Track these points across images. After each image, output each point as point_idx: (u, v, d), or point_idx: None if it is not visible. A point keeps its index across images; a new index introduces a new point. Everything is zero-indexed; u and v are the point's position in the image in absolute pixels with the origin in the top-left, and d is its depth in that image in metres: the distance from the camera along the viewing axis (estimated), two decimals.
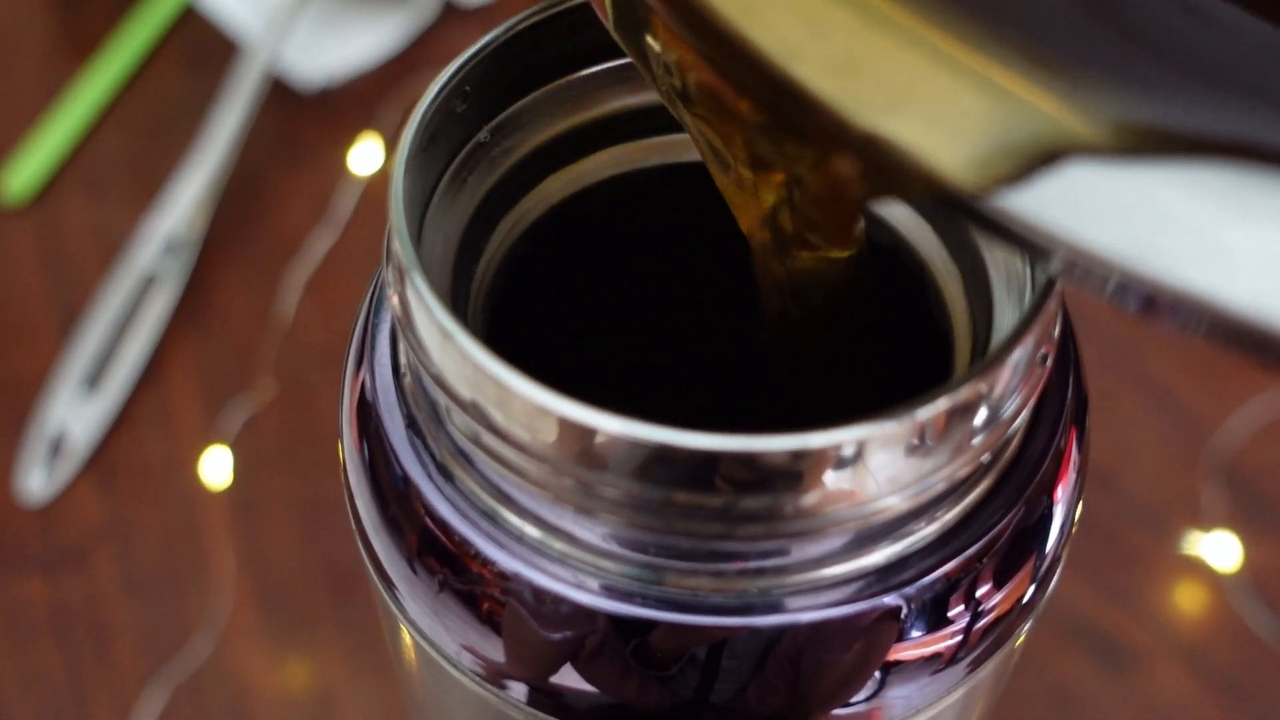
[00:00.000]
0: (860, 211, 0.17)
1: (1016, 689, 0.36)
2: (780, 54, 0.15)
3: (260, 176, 0.46)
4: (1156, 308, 0.14)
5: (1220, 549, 0.38)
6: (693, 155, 0.21)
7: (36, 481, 0.40)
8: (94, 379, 0.42)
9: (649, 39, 0.17)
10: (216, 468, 0.40)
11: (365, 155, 0.45)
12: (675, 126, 0.21)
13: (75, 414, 0.41)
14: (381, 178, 0.45)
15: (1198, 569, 0.38)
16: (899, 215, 0.20)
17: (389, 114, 0.46)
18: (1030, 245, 0.14)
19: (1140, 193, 0.14)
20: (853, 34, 0.15)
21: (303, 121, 0.48)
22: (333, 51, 0.48)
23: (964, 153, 0.14)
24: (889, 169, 0.15)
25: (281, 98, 0.48)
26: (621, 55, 0.20)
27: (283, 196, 0.46)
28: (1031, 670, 0.37)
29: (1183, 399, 0.41)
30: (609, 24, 0.18)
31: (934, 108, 0.15)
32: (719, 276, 0.21)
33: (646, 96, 0.21)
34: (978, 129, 0.14)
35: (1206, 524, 0.38)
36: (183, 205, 0.44)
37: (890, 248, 0.20)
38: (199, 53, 0.50)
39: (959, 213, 0.15)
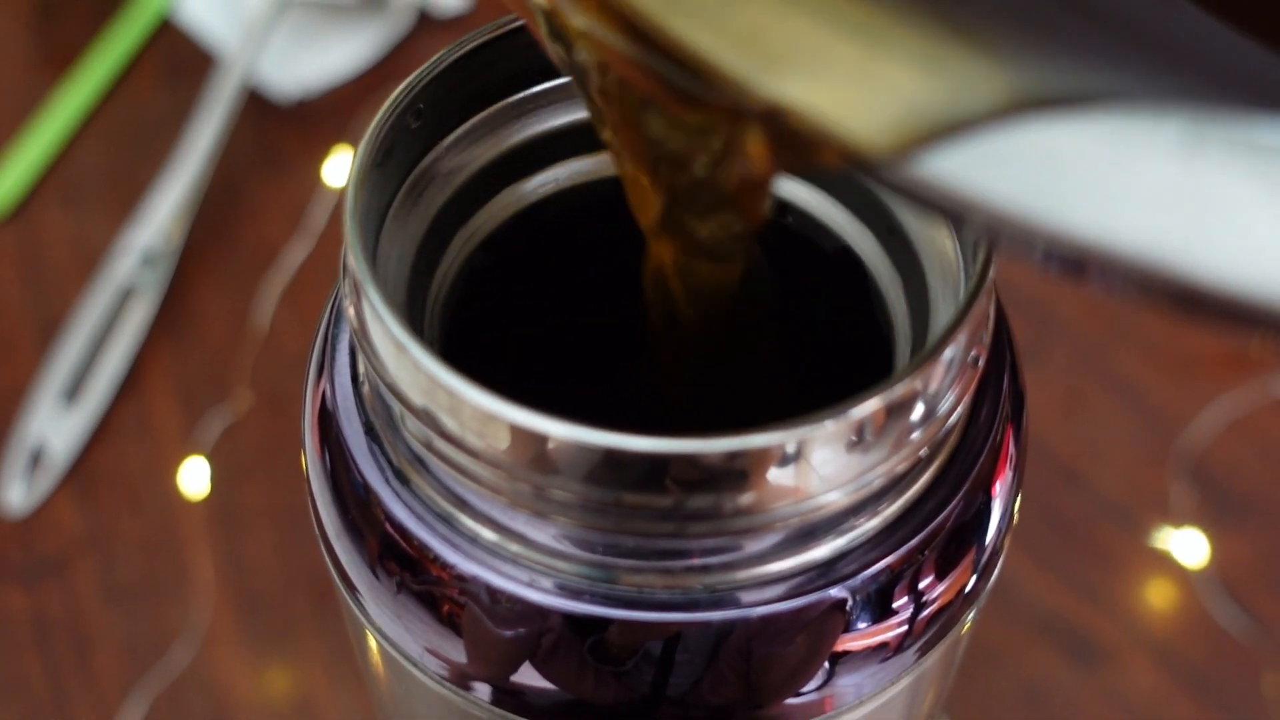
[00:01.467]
0: (767, 183, 0.17)
1: (988, 685, 0.37)
2: (659, 8, 0.14)
3: (237, 188, 0.47)
4: (1084, 270, 0.13)
5: (1189, 545, 0.38)
6: None
7: (16, 493, 0.40)
8: (73, 391, 0.42)
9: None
10: (195, 477, 0.40)
11: (340, 166, 0.45)
12: None
13: (54, 426, 0.41)
14: None
15: (1167, 565, 0.39)
16: (841, 222, 0.21)
17: (364, 125, 0.46)
18: (940, 208, 0.14)
19: (1046, 147, 0.14)
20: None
21: (279, 133, 0.48)
22: (309, 63, 0.49)
23: (873, 117, 0.14)
24: (795, 139, 0.14)
25: (258, 109, 0.48)
26: None
27: (259, 207, 0.46)
28: (1002, 666, 0.37)
29: (1151, 397, 0.42)
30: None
31: (838, 70, 0.14)
32: None
33: None
34: (887, 91, 0.14)
35: (1175, 520, 0.39)
36: (161, 217, 0.44)
37: (833, 253, 0.21)
38: (176, 65, 0.50)
39: (872, 180, 0.14)
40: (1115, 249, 0.13)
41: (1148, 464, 0.40)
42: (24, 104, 0.49)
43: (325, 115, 0.48)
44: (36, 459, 0.41)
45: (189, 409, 0.42)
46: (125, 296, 0.44)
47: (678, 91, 0.16)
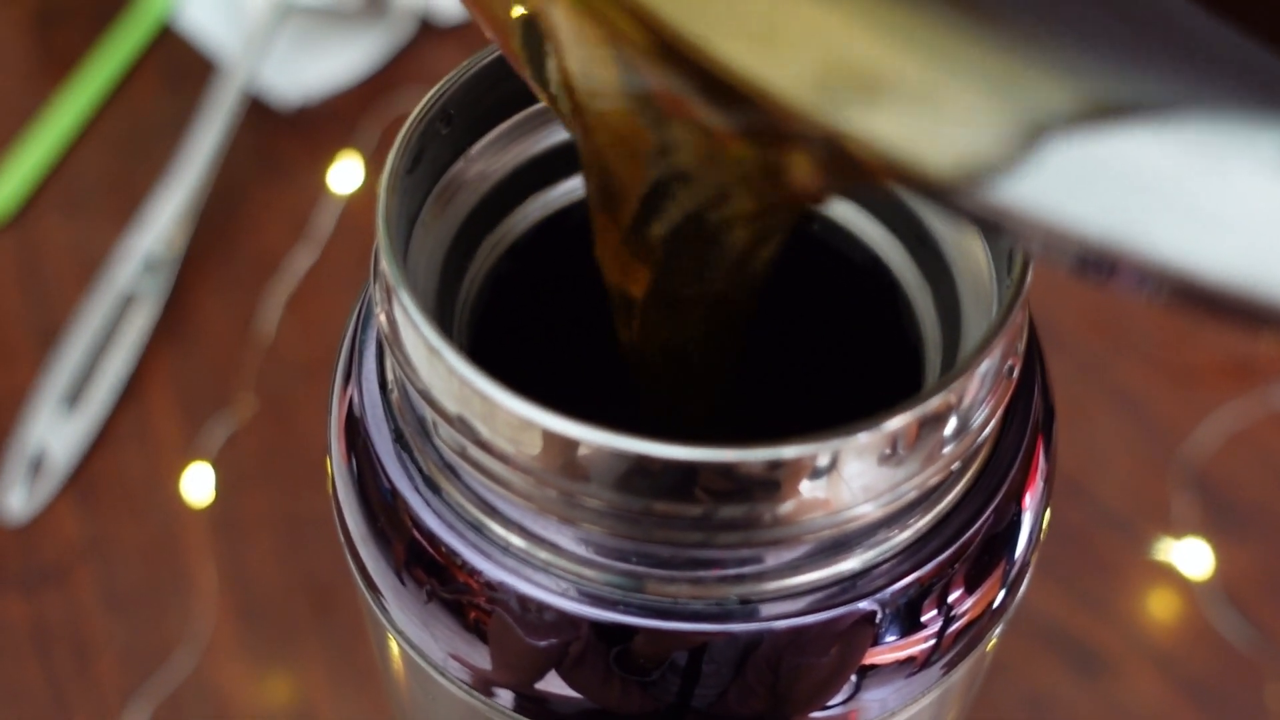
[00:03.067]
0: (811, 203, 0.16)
1: (991, 695, 0.37)
2: (698, 29, 0.14)
3: (239, 194, 0.47)
4: (1137, 278, 0.12)
5: (1191, 556, 0.39)
6: None
7: (16, 500, 0.40)
8: (74, 397, 0.42)
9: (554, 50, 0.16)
10: (198, 484, 0.40)
11: (344, 173, 0.45)
12: None
13: (55, 432, 0.41)
14: (361, 195, 0.45)
15: (1169, 576, 0.39)
16: (871, 233, 0.21)
17: (367, 132, 0.47)
18: (1018, 235, 0.13)
19: (1127, 165, 0.13)
20: (790, 9, 0.14)
21: (281, 139, 0.48)
22: (310, 69, 0.49)
23: (943, 144, 0.13)
24: (854, 166, 0.13)
25: (260, 116, 0.48)
26: None
27: (262, 214, 0.46)
28: (1006, 677, 0.37)
29: (1153, 408, 0.42)
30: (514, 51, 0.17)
31: (902, 93, 0.13)
32: None
33: None
34: (954, 115, 0.13)
35: (1178, 531, 0.39)
36: (162, 223, 0.44)
37: (860, 263, 0.21)
38: (177, 71, 0.50)
39: (941, 207, 0.13)
40: (1216, 273, 0.12)
41: (1149, 475, 0.41)
42: (24, 110, 0.49)
43: (326, 122, 0.48)
44: (37, 465, 0.41)
45: (191, 416, 0.42)
46: (126, 303, 0.43)
47: (721, 120, 0.15)
